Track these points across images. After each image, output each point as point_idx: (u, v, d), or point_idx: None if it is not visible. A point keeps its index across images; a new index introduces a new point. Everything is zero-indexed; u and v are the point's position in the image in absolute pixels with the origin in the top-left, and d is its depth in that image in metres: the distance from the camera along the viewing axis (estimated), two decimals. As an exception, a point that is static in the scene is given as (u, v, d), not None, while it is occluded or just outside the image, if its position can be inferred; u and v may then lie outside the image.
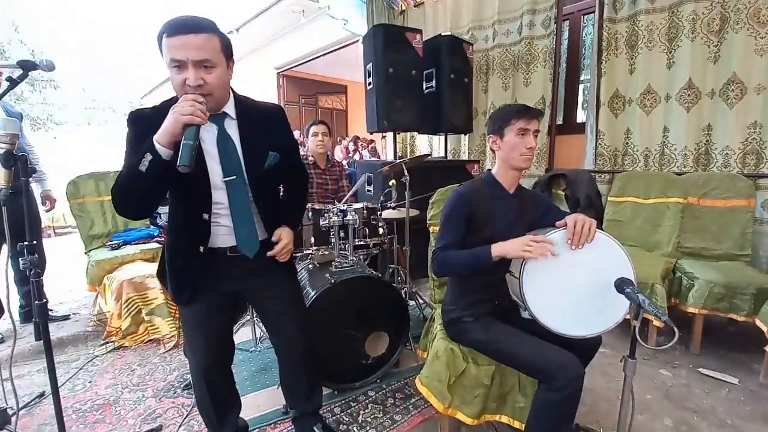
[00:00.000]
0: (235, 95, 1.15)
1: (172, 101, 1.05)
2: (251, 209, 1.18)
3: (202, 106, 0.95)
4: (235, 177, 1.11)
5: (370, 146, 7.42)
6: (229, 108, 1.12)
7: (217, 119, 1.10)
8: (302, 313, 1.40)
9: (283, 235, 1.22)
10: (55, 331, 2.46)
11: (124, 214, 1.07)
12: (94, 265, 2.50)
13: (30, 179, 1.16)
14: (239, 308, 1.35)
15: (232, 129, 1.13)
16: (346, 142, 7.54)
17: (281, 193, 1.38)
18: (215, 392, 1.28)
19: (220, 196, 1.12)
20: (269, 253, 1.21)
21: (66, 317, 2.77)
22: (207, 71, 0.99)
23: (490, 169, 1.42)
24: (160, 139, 0.94)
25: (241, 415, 1.45)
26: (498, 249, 1.18)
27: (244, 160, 1.13)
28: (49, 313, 2.65)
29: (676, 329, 0.93)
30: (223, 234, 1.17)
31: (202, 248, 1.15)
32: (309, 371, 1.44)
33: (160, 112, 1.01)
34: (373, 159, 6.17)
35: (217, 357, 1.27)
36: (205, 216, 1.11)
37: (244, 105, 1.16)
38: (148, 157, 0.93)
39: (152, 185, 0.98)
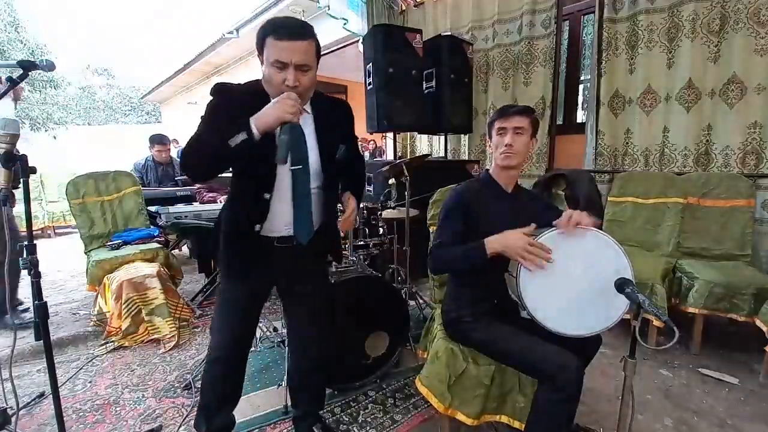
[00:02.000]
0: (314, 92, 1.22)
1: (253, 84, 1.16)
2: (311, 199, 1.23)
3: (300, 106, 1.05)
4: (300, 167, 1.17)
5: (369, 144, 7.42)
6: (307, 104, 1.21)
7: None
8: (328, 315, 1.43)
9: (351, 202, 1.31)
10: (55, 331, 2.46)
11: (192, 174, 1.17)
12: (94, 265, 2.50)
13: None
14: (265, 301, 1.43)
15: (307, 123, 1.19)
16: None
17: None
18: (226, 376, 1.31)
19: (284, 180, 1.17)
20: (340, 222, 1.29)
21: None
22: (304, 73, 1.08)
23: (488, 169, 1.43)
24: (258, 124, 1.02)
25: (240, 415, 1.45)
26: (494, 244, 1.18)
27: (320, 152, 1.21)
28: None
29: (676, 329, 0.93)
30: (278, 220, 1.21)
31: (258, 227, 1.19)
32: (322, 373, 1.46)
33: (243, 91, 1.15)
34: (377, 159, 6.16)
35: (240, 341, 1.31)
36: (266, 195, 1.16)
37: (319, 101, 1.25)
38: (242, 136, 1.01)
39: (234, 159, 1.09)
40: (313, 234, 1.24)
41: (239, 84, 1.18)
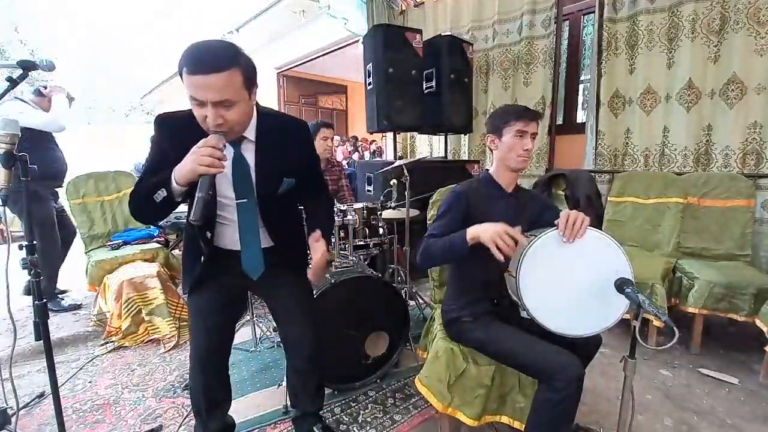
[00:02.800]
0: (259, 114, 1.13)
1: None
2: (258, 230, 1.20)
3: (222, 152, 0.95)
4: (246, 200, 1.13)
5: (371, 145, 7.42)
6: (250, 131, 1.11)
7: (234, 143, 1.09)
8: (312, 313, 1.40)
9: (319, 246, 1.21)
10: (55, 331, 2.46)
11: (142, 222, 1.23)
12: (94, 265, 2.50)
13: None
14: (243, 305, 1.39)
15: (249, 152, 1.12)
16: (348, 144, 7.56)
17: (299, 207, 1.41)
18: (209, 382, 1.29)
19: (229, 212, 1.15)
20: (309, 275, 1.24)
21: (77, 306, 2.88)
22: (227, 109, 0.96)
23: (488, 169, 1.43)
24: (177, 178, 0.96)
25: (240, 415, 1.44)
26: (473, 230, 1.16)
27: (257, 185, 1.14)
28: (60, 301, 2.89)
29: (676, 329, 0.93)
30: (231, 238, 1.19)
31: (202, 258, 1.18)
32: (315, 372, 1.45)
33: (184, 121, 1.04)
34: (377, 159, 6.16)
35: (216, 347, 1.29)
36: (208, 234, 1.15)
37: (266, 125, 1.14)
38: (163, 193, 0.98)
39: (164, 211, 1.05)
40: (264, 256, 1.21)
41: (182, 112, 1.08)
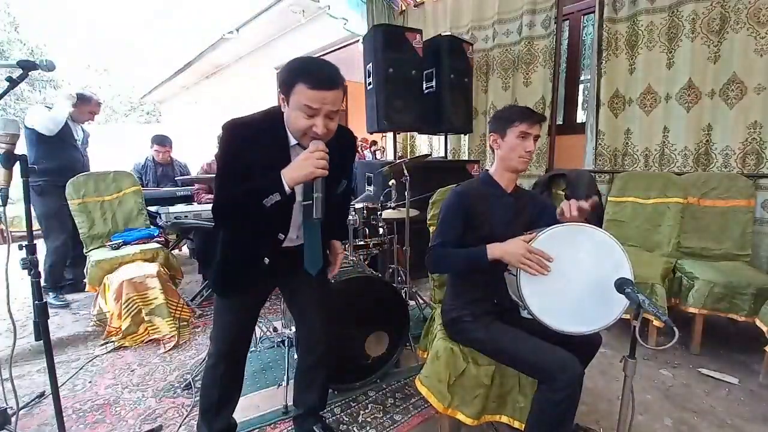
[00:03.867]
0: None
1: (267, 116, 1.15)
2: (320, 233, 1.26)
3: (328, 155, 1.06)
4: (310, 202, 1.17)
5: (372, 147, 7.40)
6: None
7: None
8: (328, 313, 1.45)
9: (339, 257, 1.41)
10: (55, 331, 2.46)
11: (227, 227, 1.22)
12: (94, 265, 2.50)
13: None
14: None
15: None
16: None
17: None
18: (227, 379, 1.32)
19: (293, 209, 1.22)
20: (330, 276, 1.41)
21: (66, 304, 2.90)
22: (331, 119, 1.08)
23: (487, 170, 1.43)
24: (289, 181, 1.05)
25: (240, 415, 1.46)
26: (494, 252, 1.19)
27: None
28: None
29: (676, 329, 0.93)
30: (289, 238, 1.25)
31: (267, 260, 1.23)
32: (323, 371, 1.48)
33: (258, 125, 1.13)
34: (382, 159, 6.14)
35: (243, 343, 1.35)
36: (281, 236, 1.22)
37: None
38: (276, 197, 1.05)
39: (266, 216, 1.10)
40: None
41: (251, 116, 1.16)
